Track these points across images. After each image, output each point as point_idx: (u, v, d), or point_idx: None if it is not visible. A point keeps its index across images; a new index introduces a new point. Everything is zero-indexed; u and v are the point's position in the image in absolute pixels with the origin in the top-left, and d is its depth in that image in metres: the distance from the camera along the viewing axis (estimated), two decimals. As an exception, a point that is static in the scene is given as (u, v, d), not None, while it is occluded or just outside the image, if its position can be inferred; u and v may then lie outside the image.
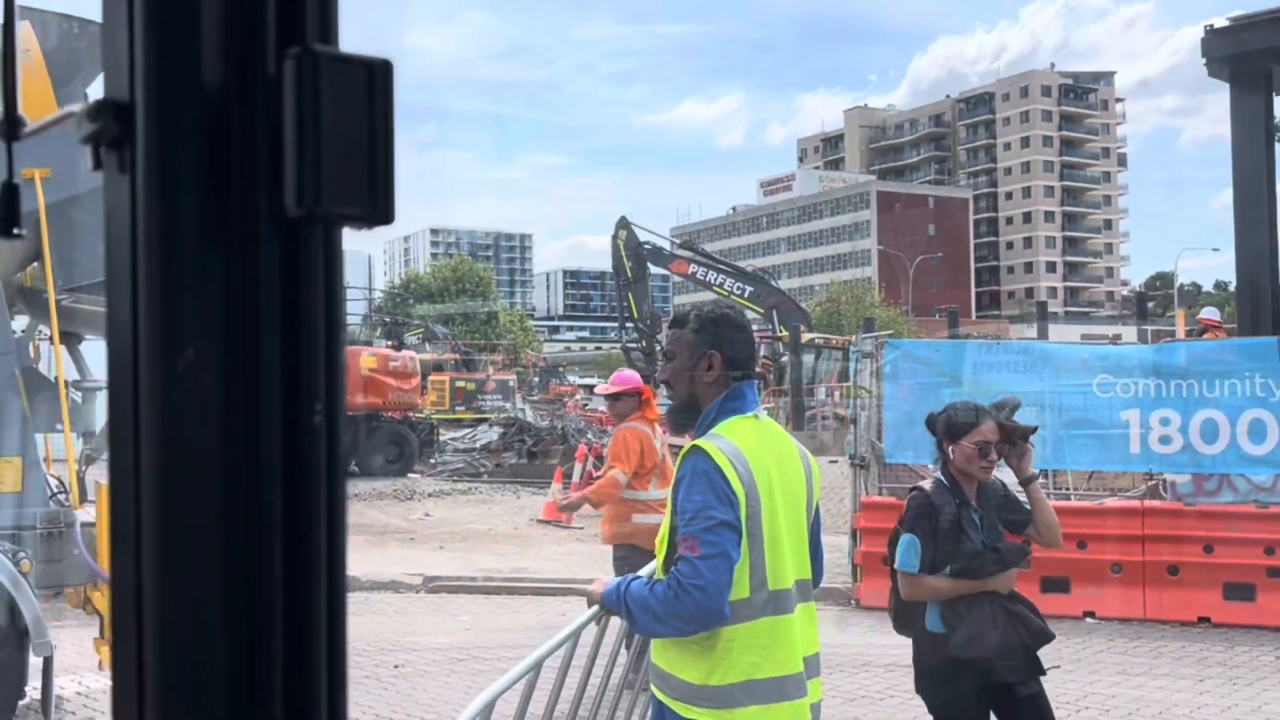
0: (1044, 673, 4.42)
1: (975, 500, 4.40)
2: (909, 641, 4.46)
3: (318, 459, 0.74)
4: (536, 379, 55.77)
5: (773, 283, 40.36)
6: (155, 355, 0.72)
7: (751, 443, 3.13)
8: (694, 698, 3.04)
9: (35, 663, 6.34)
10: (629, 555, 7.47)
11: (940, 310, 63.48)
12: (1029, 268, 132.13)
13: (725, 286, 35.00)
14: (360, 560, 13.02)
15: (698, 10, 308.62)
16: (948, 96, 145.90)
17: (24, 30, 6.72)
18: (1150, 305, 67.18)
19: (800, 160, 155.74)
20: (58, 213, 6.81)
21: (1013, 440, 4.42)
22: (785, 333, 32.92)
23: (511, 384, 39.35)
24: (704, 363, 3.23)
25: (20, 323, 7.91)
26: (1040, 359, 11.04)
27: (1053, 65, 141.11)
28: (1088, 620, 10.01)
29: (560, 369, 65.45)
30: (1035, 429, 4.58)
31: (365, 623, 10.23)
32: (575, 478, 18.38)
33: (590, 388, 37.40)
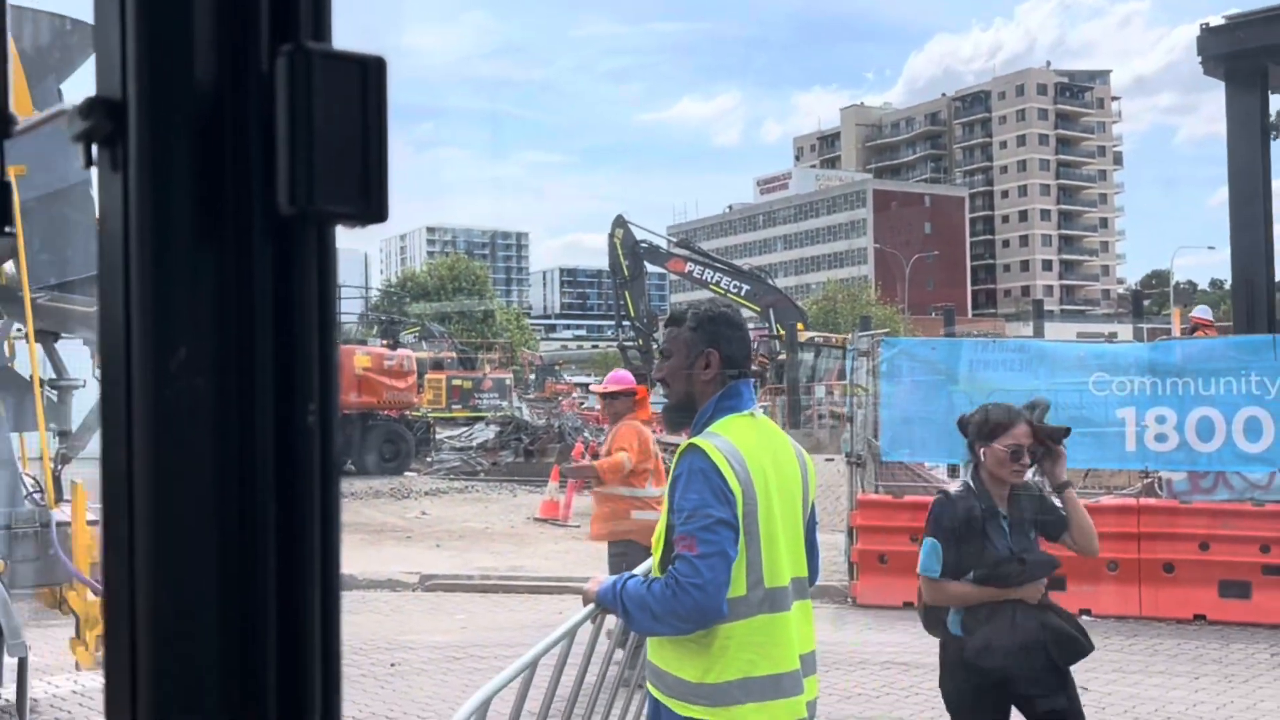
0: (1071, 686, 4.24)
1: (1006, 506, 4.27)
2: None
3: (311, 458, 0.73)
4: (533, 377, 55.89)
5: (769, 281, 40.37)
6: (148, 354, 0.71)
7: (748, 441, 3.13)
8: (690, 695, 3.04)
9: (10, 663, 6.29)
10: (626, 551, 7.48)
11: (936, 308, 63.46)
12: (1025, 266, 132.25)
13: (722, 285, 35.01)
14: (356, 558, 13.02)
15: (694, 9, 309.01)
16: (944, 95, 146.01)
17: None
18: (1146, 303, 67.25)
19: (796, 158, 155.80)
20: (32, 210, 6.76)
21: (1045, 444, 4.27)
22: (782, 331, 32.96)
23: (508, 382, 39.41)
24: (701, 361, 3.23)
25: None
26: (1036, 357, 11.05)
27: (1048, 63, 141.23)
28: (1083, 618, 9.97)
29: (557, 367, 65.57)
30: (1069, 431, 4.39)
31: (361, 621, 10.23)
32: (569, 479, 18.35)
33: (586, 386, 37.43)
